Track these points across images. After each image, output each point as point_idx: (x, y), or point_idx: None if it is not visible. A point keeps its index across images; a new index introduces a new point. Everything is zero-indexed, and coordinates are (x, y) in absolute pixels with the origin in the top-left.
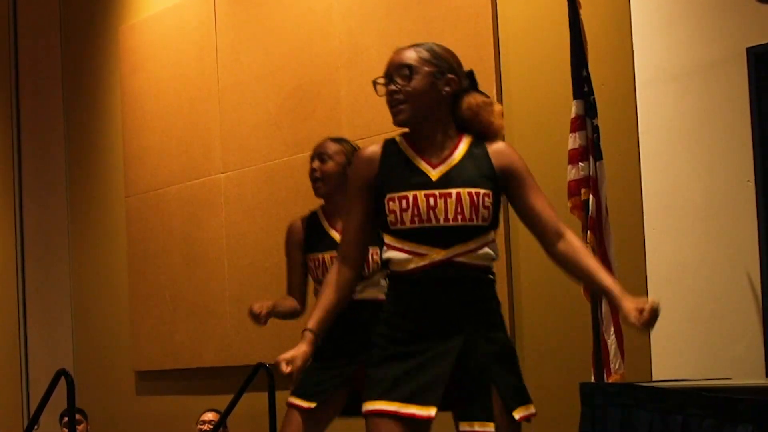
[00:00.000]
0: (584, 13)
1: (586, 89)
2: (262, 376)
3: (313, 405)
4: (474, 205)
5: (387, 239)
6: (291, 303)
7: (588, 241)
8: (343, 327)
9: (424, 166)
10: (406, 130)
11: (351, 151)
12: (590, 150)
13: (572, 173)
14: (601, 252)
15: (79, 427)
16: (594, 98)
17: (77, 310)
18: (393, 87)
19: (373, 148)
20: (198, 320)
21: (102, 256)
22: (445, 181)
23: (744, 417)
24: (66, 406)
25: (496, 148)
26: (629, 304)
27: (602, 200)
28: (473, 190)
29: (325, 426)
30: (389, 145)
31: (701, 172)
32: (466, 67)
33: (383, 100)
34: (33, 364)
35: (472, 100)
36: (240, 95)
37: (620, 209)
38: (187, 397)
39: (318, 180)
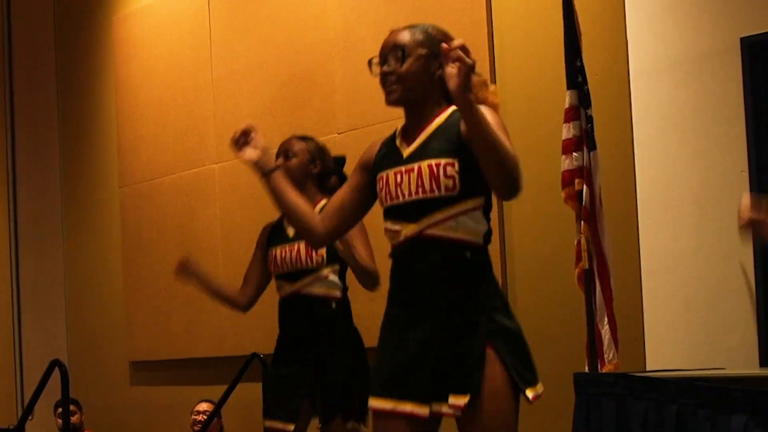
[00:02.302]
0: (578, 3)
1: (580, 79)
2: (256, 366)
3: (291, 427)
4: (434, 176)
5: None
6: (232, 291)
7: (582, 231)
8: (293, 322)
9: (402, 146)
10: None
11: (315, 149)
12: (584, 140)
13: (566, 163)
14: (595, 242)
15: (74, 418)
16: (588, 88)
17: (71, 300)
18: (386, 68)
19: (383, 137)
20: (192, 310)
21: (96, 246)
22: (412, 156)
23: (738, 407)
24: (60, 397)
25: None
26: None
27: (596, 190)
28: (434, 161)
29: None
30: (393, 132)
31: (695, 162)
32: None
33: (378, 89)
34: (27, 355)
35: None
36: (234, 85)
37: (614, 199)
38: (181, 388)
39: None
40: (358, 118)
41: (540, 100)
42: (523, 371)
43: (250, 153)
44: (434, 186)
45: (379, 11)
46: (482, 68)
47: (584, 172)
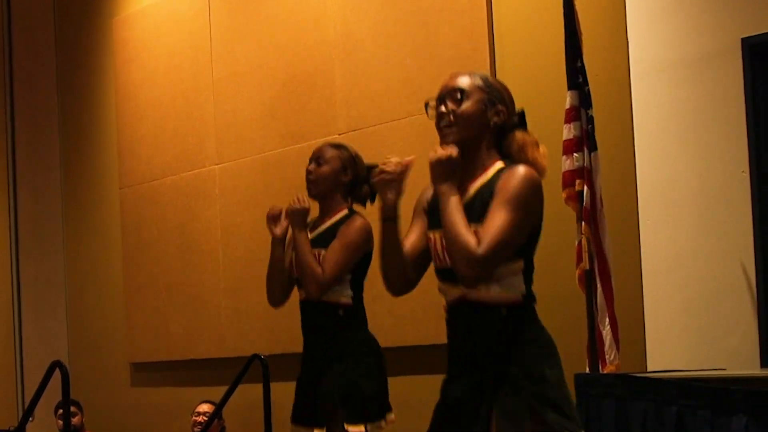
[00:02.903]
0: (579, 4)
1: (580, 80)
2: (256, 368)
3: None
4: None
5: None
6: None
7: (582, 232)
8: (306, 327)
9: None
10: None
11: (348, 157)
12: (585, 141)
13: (567, 164)
14: (596, 243)
15: (74, 419)
16: (589, 89)
17: (72, 301)
18: (443, 109)
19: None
20: (193, 311)
21: (96, 247)
22: None
23: (738, 408)
24: (61, 398)
25: (508, 171)
26: None
27: (597, 191)
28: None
29: None
30: None
31: (696, 162)
32: (459, 60)
33: (378, 92)
34: (27, 356)
35: (520, 137)
36: (234, 86)
37: (615, 200)
38: (181, 389)
39: (311, 182)
40: (358, 120)
41: (540, 100)
42: (565, 423)
43: (392, 197)
44: None
45: (379, 13)
46: (483, 69)
47: (585, 173)
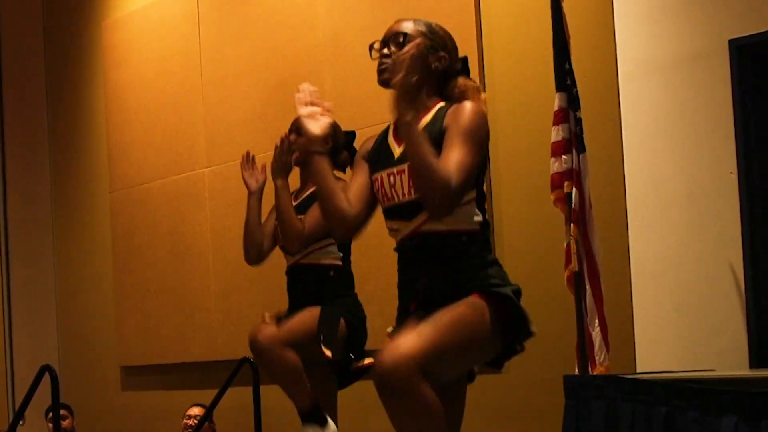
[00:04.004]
0: (567, 6)
1: (568, 82)
2: (246, 371)
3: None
4: None
5: None
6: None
7: (571, 233)
8: (291, 291)
9: (392, 144)
10: None
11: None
12: (573, 143)
13: (555, 166)
14: (585, 244)
15: (65, 423)
16: (577, 91)
17: (62, 305)
18: (385, 50)
19: (375, 134)
20: (183, 315)
21: (86, 251)
22: (403, 157)
23: (728, 408)
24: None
25: (454, 107)
26: None
27: (585, 193)
28: None
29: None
30: (386, 127)
31: (684, 164)
32: None
33: (367, 94)
34: (18, 360)
35: (462, 82)
36: (224, 89)
37: (603, 202)
38: (172, 392)
39: (294, 151)
40: (348, 122)
41: (529, 102)
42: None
43: (315, 127)
44: None
45: (368, 16)
46: (472, 72)
47: (573, 175)
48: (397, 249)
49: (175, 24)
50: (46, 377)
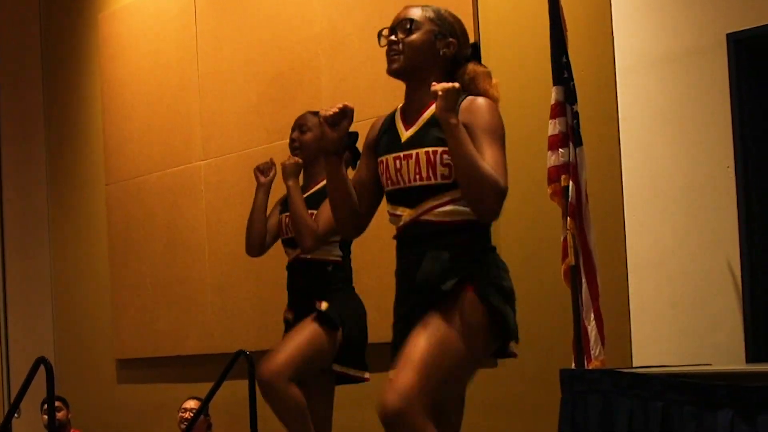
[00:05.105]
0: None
1: (566, 75)
2: (242, 364)
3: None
4: (431, 164)
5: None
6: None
7: (568, 227)
8: (291, 286)
9: (400, 129)
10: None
11: None
12: (570, 136)
13: (552, 159)
14: (582, 238)
15: (59, 415)
16: (574, 84)
17: (58, 298)
18: (393, 37)
19: (383, 116)
20: (179, 308)
21: (83, 244)
22: (411, 142)
23: (724, 403)
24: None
25: (468, 102)
26: None
27: (582, 186)
28: (431, 149)
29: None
30: (394, 111)
31: (681, 158)
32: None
33: (364, 87)
34: (14, 353)
35: (472, 68)
36: (220, 82)
37: (600, 195)
38: (168, 385)
39: (296, 149)
40: None
41: (526, 96)
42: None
43: (333, 133)
44: (431, 173)
45: (365, 9)
46: None
47: (570, 168)
48: (396, 236)
49: (172, 16)
50: (42, 370)
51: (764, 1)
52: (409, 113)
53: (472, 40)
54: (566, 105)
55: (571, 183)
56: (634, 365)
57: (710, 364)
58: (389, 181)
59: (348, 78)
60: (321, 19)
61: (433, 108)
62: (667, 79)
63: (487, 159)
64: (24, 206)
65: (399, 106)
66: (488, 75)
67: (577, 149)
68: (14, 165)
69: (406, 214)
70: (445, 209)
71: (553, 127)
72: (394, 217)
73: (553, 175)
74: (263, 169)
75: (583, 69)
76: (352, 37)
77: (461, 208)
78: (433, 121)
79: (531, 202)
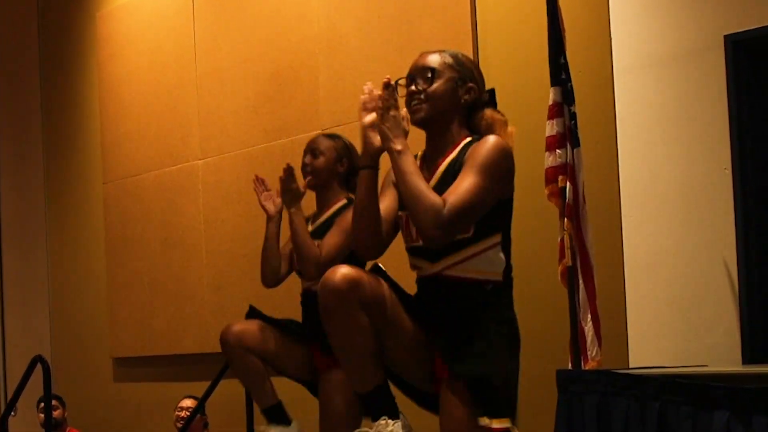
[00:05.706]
0: (562, 0)
1: (563, 76)
2: None
3: None
4: None
5: None
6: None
7: (565, 228)
8: (306, 316)
9: None
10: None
11: (343, 147)
12: (567, 137)
13: (549, 160)
14: (579, 239)
15: (56, 413)
16: (571, 85)
17: (54, 296)
18: (414, 88)
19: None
20: (176, 307)
21: (79, 242)
22: None
23: (720, 404)
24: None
25: (477, 143)
26: None
27: (579, 187)
28: None
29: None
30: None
31: (679, 159)
32: None
33: (362, 87)
34: (10, 351)
35: (489, 114)
36: (218, 81)
37: (597, 196)
38: (164, 384)
39: (308, 174)
40: (342, 115)
41: (523, 96)
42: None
43: (376, 140)
44: None
45: (363, 8)
46: None
47: (568, 169)
48: (417, 283)
49: (170, 15)
50: (38, 368)
51: (763, 2)
52: (429, 162)
53: (470, 41)
54: (564, 106)
55: (568, 184)
56: (630, 366)
57: (707, 365)
58: (409, 238)
59: (346, 77)
60: (319, 18)
61: (450, 157)
62: (665, 80)
63: (455, 186)
64: (21, 204)
65: (419, 154)
66: (505, 123)
67: (575, 150)
68: (11, 163)
69: (426, 267)
70: (466, 265)
71: (551, 128)
72: (415, 268)
73: (551, 175)
74: (260, 189)
75: (580, 70)
76: (350, 37)
77: (482, 264)
78: (450, 170)
79: (528, 203)
